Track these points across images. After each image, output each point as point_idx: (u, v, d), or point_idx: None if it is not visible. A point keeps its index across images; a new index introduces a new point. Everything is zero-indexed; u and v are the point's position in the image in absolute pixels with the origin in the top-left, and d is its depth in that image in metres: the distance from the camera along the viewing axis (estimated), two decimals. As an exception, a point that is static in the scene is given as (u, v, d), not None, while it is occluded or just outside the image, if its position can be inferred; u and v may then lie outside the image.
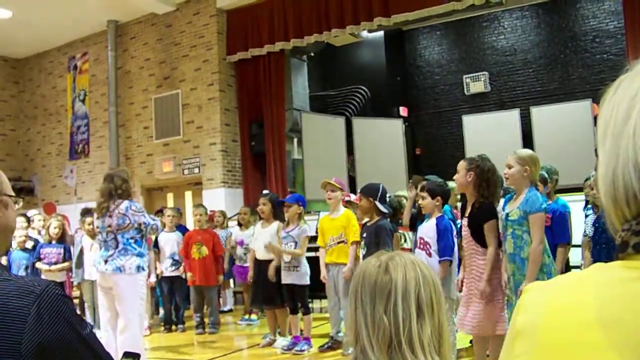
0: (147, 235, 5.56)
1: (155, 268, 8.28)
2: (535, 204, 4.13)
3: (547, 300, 0.73)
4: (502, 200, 5.07)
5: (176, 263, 8.21)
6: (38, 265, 7.69)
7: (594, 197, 5.04)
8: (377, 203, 5.69)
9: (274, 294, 6.72)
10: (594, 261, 5.08)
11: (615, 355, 0.63)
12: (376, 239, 5.56)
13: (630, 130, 0.71)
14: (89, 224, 7.60)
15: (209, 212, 8.77)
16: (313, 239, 6.91)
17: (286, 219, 6.78)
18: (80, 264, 7.94)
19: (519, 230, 4.20)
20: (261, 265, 6.91)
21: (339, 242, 6.31)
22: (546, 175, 5.62)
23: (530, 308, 0.74)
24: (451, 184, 5.76)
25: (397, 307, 1.43)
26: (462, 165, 4.63)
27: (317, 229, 6.86)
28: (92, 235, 7.34)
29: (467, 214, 4.61)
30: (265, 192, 7.82)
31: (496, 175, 4.62)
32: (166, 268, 8.21)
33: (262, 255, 6.94)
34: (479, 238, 4.47)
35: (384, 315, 1.42)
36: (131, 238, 5.29)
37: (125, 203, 5.29)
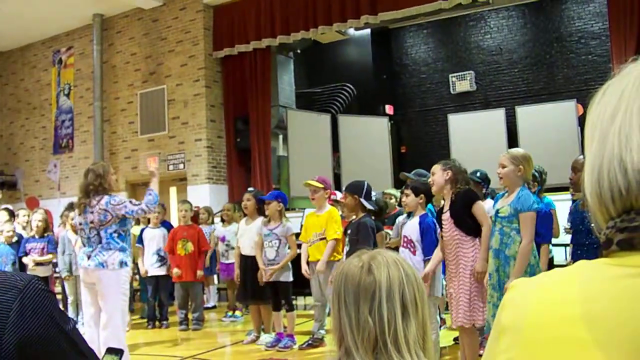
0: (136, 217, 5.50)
1: (136, 264, 8.23)
2: (527, 202, 4.17)
3: (533, 296, 0.73)
4: (491, 201, 5.13)
5: (161, 259, 8.17)
6: (25, 260, 7.63)
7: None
8: (363, 200, 5.69)
9: (262, 290, 6.70)
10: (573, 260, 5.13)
11: (599, 351, 0.63)
12: (357, 235, 5.57)
13: (616, 128, 0.72)
14: (72, 219, 7.54)
15: (194, 208, 8.74)
16: (298, 235, 6.90)
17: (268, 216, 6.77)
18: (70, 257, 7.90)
19: (507, 227, 4.23)
20: (247, 261, 6.90)
21: (321, 239, 6.32)
22: (537, 175, 5.65)
23: (515, 304, 0.75)
24: None
25: (382, 307, 1.42)
26: (437, 167, 4.75)
27: (302, 225, 6.85)
28: (75, 230, 7.29)
29: (446, 209, 4.66)
30: (250, 189, 7.80)
31: (468, 176, 4.74)
32: (152, 264, 8.16)
33: (248, 251, 6.93)
34: (464, 226, 4.52)
35: (368, 316, 1.41)
36: (114, 232, 5.26)
37: (106, 198, 5.25)
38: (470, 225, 4.51)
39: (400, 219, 6.30)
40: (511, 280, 4.04)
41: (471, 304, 4.47)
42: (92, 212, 5.22)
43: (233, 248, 8.18)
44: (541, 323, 0.70)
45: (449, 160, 4.81)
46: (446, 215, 4.64)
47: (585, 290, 0.69)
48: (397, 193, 7.33)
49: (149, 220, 8.41)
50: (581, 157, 4.18)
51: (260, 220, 6.87)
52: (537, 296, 0.73)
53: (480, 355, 4.82)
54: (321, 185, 6.43)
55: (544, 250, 5.33)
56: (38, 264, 7.68)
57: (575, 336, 0.66)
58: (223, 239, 8.64)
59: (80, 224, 5.32)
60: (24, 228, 8.44)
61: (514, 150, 4.47)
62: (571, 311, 0.67)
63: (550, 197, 6.16)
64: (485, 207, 4.89)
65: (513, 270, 4.13)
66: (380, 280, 1.44)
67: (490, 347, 0.77)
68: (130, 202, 5.41)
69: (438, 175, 4.69)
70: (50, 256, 7.83)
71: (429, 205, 5.68)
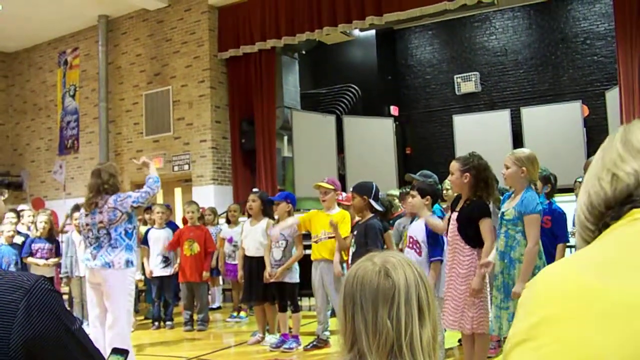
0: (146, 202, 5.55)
1: (142, 264, 8.25)
2: (531, 204, 4.10)
3: (543, 280, 0.82)
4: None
5: (166, 260, 8.18)
6: (30, 260, 7.65)
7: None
8: (372, 201, 5.67)
9: (266, 291, 6.70)
10: None
11: (606, 297, 0.72)
12: (365, 238, 5.55)
13: (590, 175, 0.94)
14: (76, 219, 7.56)
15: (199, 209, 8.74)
16: (304, 236, 6.87)
17: (276, 217, 6.77)
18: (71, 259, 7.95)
19: (512, 230, 4.19)
20: (252, 263, 6.90)
21: (330, 237, 6.32)
22: (549, 175, 5.63)
23: (536, 288, 0.82)
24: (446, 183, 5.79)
25: (400, 310, 1.40)
26: (455, 166, 4.52)
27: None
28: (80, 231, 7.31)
29: (458, 209, 4.56)
30: (255, 190, 7.80)
31: (491, 173, 4.58)
32: (156, 265, 8.17)
33: (252, 252, 6.93)
34: (466, 234, 4.44)
35: (387, 321, 1.39)
36: (123, 230, 5.27)
37: (113, 197, 5.27)
38: (471, 236, 4.41)
39: (400, 220, 6.30)
40: (519, 284, 4.00)
41: (460, 310, 4.40)
42: (100, 212, 5.23)
43: (241, 248, 8.22)
44: (552, 292, 0.79)
45: (469, 158, 4.51)
46: (454, 216, 4.58)
47: (582, 260, 0.82)
48: (397, 192, 7.29)
49: (154, 222, 8.43)
50: (592, 158, 4.14)
51: (264, 221, 6.87)
52: (547, 277, 0.82)
53: (489, 357, 4.82)
54: (332, 187, 6.44)
55: (560, 250, 5.28)
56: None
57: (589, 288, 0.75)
58: (230, 240, 8.64)
59: (87, 224, 5.31)
60: (28, 228, 8.45)
61: (518, 151, 4.40)
62: (584, 269, 0.78)
63: (555, 198, 6.14)
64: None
65: (520, 274, 4.08)
66: (399, 284, 1.42)
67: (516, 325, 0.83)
68: (134, 191, 5.45)
69: (456, 176, 4.49)
70: (57, 259, 7.86)
71: (437, 206, 5.67)
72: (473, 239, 4.43)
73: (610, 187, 0.91)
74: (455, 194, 4.84)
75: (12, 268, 7.44)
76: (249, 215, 7.18)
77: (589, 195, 0.94)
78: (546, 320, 0.75)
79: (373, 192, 5.69)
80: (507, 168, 4.26)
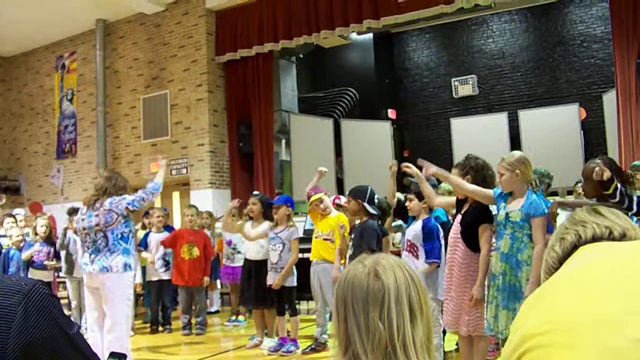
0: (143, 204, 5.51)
1: (141, 268, 8.24)
2: (540, 207, 4.13)
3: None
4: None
5: (167, 264, 8.17)
6: (24, 256, 7.64)
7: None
8: (366, 205, 5.68)
9: (265, 294, 6.69)
10: None
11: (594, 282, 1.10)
12: (361, 240, 5.58)
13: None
14: (75, 222, 7.54)
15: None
16: (302, 240, 6.88)
17: (275, 220, 6.77)
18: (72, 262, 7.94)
19: (519, 232, 4.19)
20: (252, 266, 6.89)
21: (325, 239, 6.35)
22: (547, 180, 5.65)
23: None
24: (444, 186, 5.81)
25: (391, 312, 1.40)
26: (455, 173, 4.60)
27: (304, 230, 6.82)
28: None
29: (462, 212, 4.60)
30: (255, 192, 7.80)
31: (491, 171, 4.61)
32: (156, 269, 8.16)
33: (252, 255, 6.92)
34: (467, 237, 4.48)
35: (379, 322, 1.39)
36: (119, 234, 5.25)
37: (109, 199, 5.25)
38: (472, 240, 4.46)
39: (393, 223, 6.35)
40: (530, 286, 3.99)
41: (457, 312, 4.46)
42: (97, 215, 5.22)
43: (239, 252, 8.19)
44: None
45: (466, 161, 4.63)
46: (458, 218, 4.62)
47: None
48: (401, 196, 7.30)
49: (152, 225, 8.41)
50: (592, 164, 4.18)
51: (265, 224, 6.86)
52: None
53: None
54: (320, 194, 6.47)
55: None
56: (42, 268, 7.71)
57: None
58: (229, 243, 8.63)
59: (85, 228, 5.30)
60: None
61: (508, 156, 4.38)
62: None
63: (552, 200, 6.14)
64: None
65: (530, 277, 4.07)
66: (389, 285, 1.42)
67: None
68: (129, 194, 5.42)
69: None
70: (54, 262, 7.85)
71: (440, 210, 5.69)
72: (474, 243, 4.46)
73: (560, 248, 1.35)
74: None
75: (20, 273, 7.47)
76: (250, 218, 7.17)
77: (546, 261, 1.39)
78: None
79: (367, 195, 5.71)
80: (502, 175, 4.28)
